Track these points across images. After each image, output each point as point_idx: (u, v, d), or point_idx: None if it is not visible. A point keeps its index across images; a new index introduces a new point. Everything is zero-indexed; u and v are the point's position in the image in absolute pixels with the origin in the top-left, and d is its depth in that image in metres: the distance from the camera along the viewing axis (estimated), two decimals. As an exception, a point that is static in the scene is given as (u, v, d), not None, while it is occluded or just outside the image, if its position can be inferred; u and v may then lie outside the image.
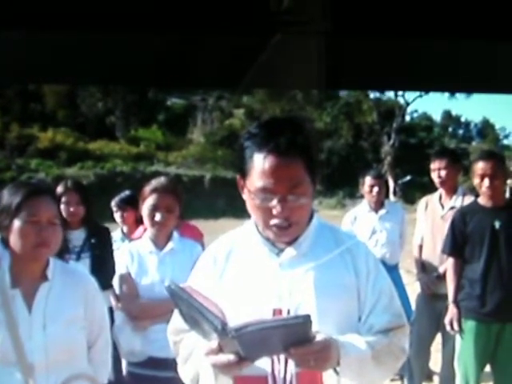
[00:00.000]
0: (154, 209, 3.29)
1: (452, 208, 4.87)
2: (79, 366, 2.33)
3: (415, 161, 39.61)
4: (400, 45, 1.72)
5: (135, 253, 3.36)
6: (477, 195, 4.49)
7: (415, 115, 55.68)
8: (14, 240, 2.24)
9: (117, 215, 5.25)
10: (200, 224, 5.26)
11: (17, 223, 2.23)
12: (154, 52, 1.75)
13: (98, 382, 2.43)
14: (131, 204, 4.98)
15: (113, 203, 5.28)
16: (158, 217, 3.28)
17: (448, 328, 4.31)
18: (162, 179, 3.39)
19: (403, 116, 44.12)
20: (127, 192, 5.39)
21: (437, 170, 4.97)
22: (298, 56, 1.67)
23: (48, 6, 1.50)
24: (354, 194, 34.63)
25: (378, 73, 1.92)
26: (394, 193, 33.64)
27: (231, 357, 1.61)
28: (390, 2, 1.58)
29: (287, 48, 1.64)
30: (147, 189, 3.34)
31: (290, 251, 1.85)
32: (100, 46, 1.70)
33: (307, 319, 1.57)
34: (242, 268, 1.88)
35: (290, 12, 1.50)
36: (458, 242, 4.28)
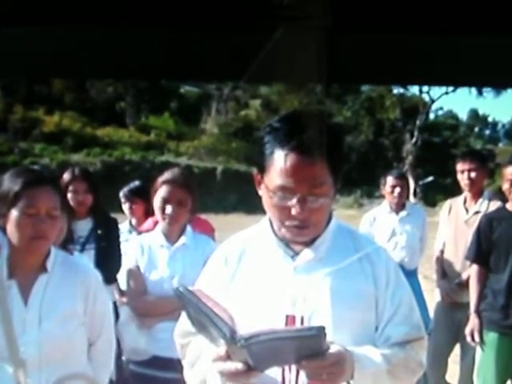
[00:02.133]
0: (165, 201, 3.28)
1: (477, 213, 4.81)
2: (76, 365, 2.31)
3: (438, 161, 39.51)
4: (402, 40, 1.74)
5: (146, 246, 3.35)
6: (503, 200, 4.44)
7: (440, 113, 55.62)
8: (11, 230, 2.22)
9: (125, 207, 5.21)
10: (210, 218, 5.23)
11: (14, 213, 2.20)
12: (157, 46, 1.77)
13: (97, 383, 2.41)
14: (141, 195, 4.97)
15: (121, 194, 5.26)
16: (168, 210, 3.27)
17: (468, 339, 4.27)
18: (175, 171, 3.37)
19: (427, 113, 43.99)
20: (136, 182, 5.36)
21: (466, 171, 4.88)
22: (299, 51, 1.68)
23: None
24: (372, 193, 34.60)
25: (380, 68, 1.95)
26: (415, 194, 33.51)
27: (239, 365, 1.59)
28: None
29: (288, 43, 1.65)
30: (159, 180, 3.33)
31: (306, 254, 1.82)
32: (106, 40, 1.73)
33: (321, 331, 1.54)
34: (254, 270, 1.85)
35: (292, 7, 1.52)
36: (483, 249, 4.24)
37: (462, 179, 4.93)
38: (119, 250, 4.28)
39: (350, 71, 1.94)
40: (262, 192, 1.82)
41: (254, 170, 1.85)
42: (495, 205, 4.69)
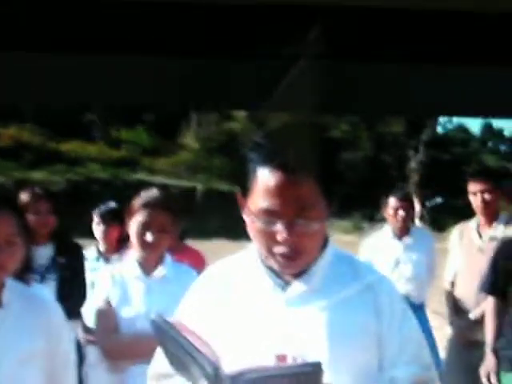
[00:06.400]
0: (145, 227, 3.21)
1: (492, 238, 4.81)
2: None
3: (447, 180, 39.70)
4: (398, 70, 1.83)
5: (118, 277, 3.29)
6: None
7: (449, 126, 55.88)
8: None
9: (99, 229, 5.14)
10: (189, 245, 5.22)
11: None
12: (177, 75, 1.87)
13: None
14: (118, 218, 4.92)
15: (96, 213, 5.21)
16: (149, 237, 3.21)
17: (484, 381, 4.25)
18: (154, 192, 3.31)
19: (435, 127, 44.25)
20: (111, 203, 5.31)
21: (479, 192, 4.88)
22: (293, 79, 1.75)
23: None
24: (372, 216, 34.71)
25: (374, 98, 2.03)
26: (421, 217, 33.65)
27: None
28: (384, 29, 1.71)
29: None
30: (137, 203, 3.26)
31: (298, 285, 1.81)
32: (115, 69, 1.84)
33: (318, 368, 1.53)
34: (240, 303, 1.84)
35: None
36: (500, 279, 4.24)
37: (475, 201, 4.91)
38: (84, 280, 4.25)
39: (344, 100, 2.02)
40: (246, 216, 1.81)
41: (237, 192, 1.85)
42: (512, 229, 4.69)
